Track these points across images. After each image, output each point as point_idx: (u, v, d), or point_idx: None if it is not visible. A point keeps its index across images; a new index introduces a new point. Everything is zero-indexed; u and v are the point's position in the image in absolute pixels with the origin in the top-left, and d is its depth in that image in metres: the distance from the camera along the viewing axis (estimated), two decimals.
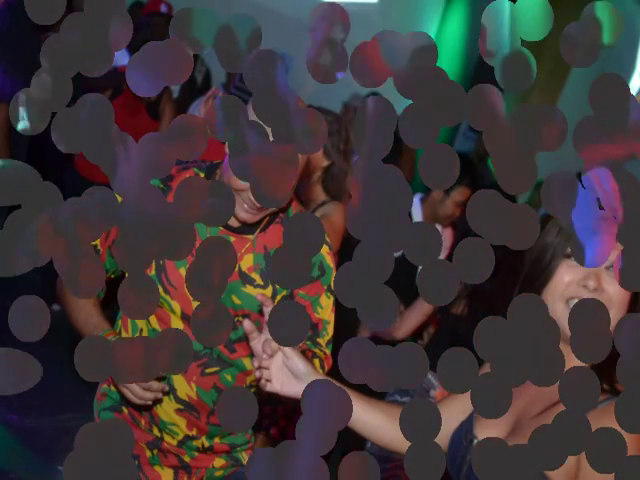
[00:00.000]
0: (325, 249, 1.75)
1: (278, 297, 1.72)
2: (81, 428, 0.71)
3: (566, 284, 1.22)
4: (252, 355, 1.45)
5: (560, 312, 1.18)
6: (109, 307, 1.79)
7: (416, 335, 3.07)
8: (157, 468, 1.85)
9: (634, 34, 6.20)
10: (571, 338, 0.70)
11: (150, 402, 1.64)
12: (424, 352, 0.72)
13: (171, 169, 0.71)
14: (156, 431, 1.80)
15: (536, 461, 0.71)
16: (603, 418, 0.77)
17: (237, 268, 1.66)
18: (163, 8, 4.95)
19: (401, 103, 0.68)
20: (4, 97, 3.08)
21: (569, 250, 1.22)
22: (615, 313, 1.12)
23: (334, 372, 0.92)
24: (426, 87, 0.69)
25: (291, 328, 0.72)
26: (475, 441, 1.29)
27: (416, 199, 3.32)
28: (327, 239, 1.76)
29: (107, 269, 1.69)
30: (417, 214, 3.28)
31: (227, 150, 1.52)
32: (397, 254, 0.72)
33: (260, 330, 1.44)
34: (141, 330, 1.75)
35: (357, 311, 0.71)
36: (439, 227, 3.19)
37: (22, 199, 0.70)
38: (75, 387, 2.32)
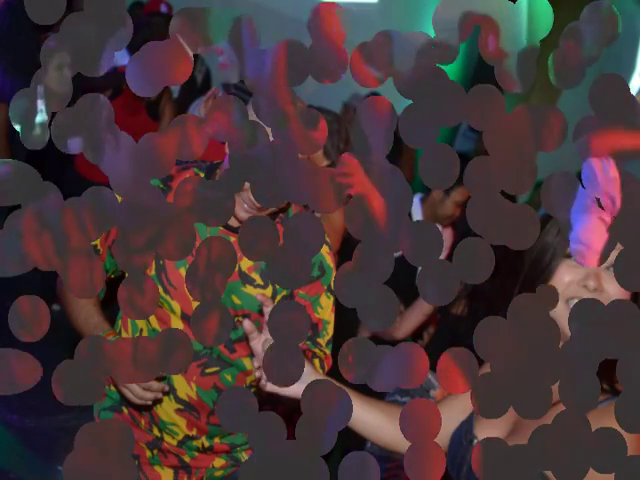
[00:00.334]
0: (325, 249, 1.75)
1: (278, 297, 1.72)
2: (81, 428, 0.71)
3: (566, 284, 1.22)
4: (252, 355, 1.45)
5: (560, 312, 1.18)
6: (109, 307, 1.79)
7: (416, 335, 3.07)
8: (157, 468, 1.85)
9: (634, 34, 6.20)
10: (571, 338, 0.70)
11: (150, 402, 1.63)
12: (424, 352, 0.72)
13: (171, 169, 0.71)
14: (156, 431, 1.80)
15: (536, 461, 0.71)
16: (603, 418, 0.77)
17: (237, 268, 1.66)
18: (163, 8, 4.95)
19: (401, 103, 0.68)
20: (4, 97, 3.08)
21: (569, 250, 1.22)
22: None
23: (334, 372, 0.92)
24: (426, 87, 0.69)
25: (291, 328, 0.72)
26: (475, 441, 1.29)
27: (416, 199, 3.32)
28: (327, 239, 1.76)
29: (107, 269, 1.69)
30: (417, 214, 3.28)
31: (227, 150, 1.52)
32: (397, 254, 0.72)
33: (260, 330, 1.44)
34: (141, 330, 1.75)
35: (357, 311, 0.71)
36: (439, 227, 3.19)
37: (22, 199, 0.70)
38: None
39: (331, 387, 0.72)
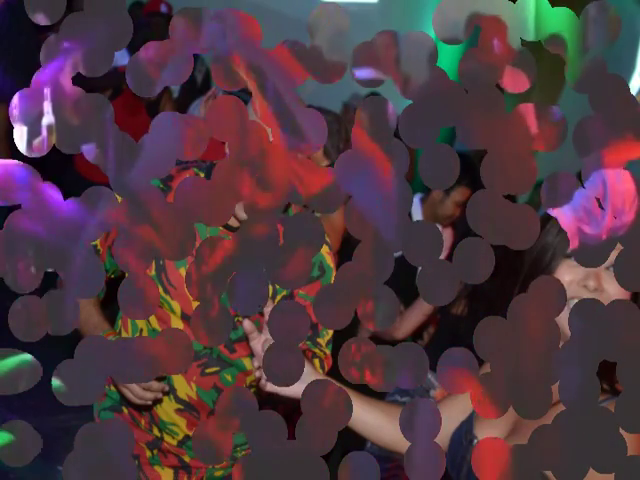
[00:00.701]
0: (325, 249, 1.75)
1: (278, 297, 1.72)
2: (81, 428, 0.71)
3: (566, 284, 1.22)
4: (252, 355, 1.45)
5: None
6: (109, 307, 1.79)
7: (416, 335, 3.07)
8: (157, 468, 1.85)
9: (634, 34, 6.20)
10: (571, 338, 0.70)
11: (150, 402, 1.63)
12: (424, 352, 0.72)
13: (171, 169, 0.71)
14: (156, 431, 1.80)
15: (536, 461, 0.71)
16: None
17: None
18: (163, 8, 4.95)
19: (401, 103, 0.68)
20: (4, 97, 3.08)
21: (569, 250, 1.22)
22: None
23: (334, 372, 0.92)
24: (426, 87, 0.69)
25: (291, 328, 0.72)
26: (475, 441, 1.29)
27: (416, 199, 3.31)
28: (327, 239, 1.76)
29: (107, 269, 1.69)
30: (417, 214, 3.28)
31: (227, 150, 1.52)
32: (397, 254, 0.72)
33: (260, 330, 1.44)
34: (141, 330, 1.75)
35: (357, 311, 0.71)
36: (439, 227, 3.19)
37: (22, 199, 0.70)
38: None
39: (331, 387, 0.72)
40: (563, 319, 0.70)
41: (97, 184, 0.71)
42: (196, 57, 4.17)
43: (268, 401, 1.36)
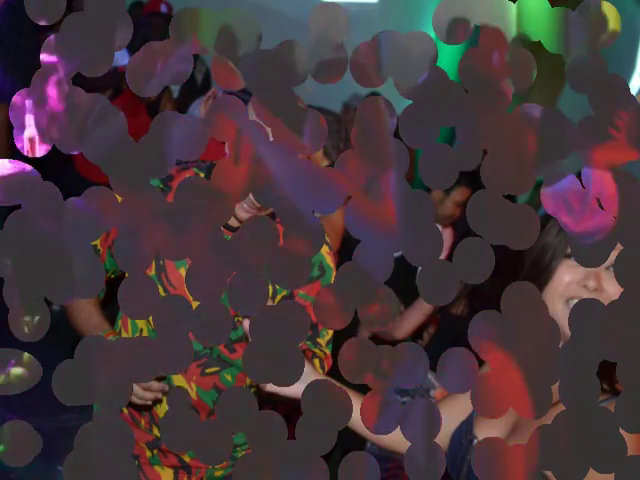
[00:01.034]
0: (325, 249, 1.75)
1: (278, 297, 1.72)
2: (81, 428, 0.71)
3: (566, 284, 1.22)
4: None
5: (560, 312, 1.18)
6: (109, 307, 1.79)
7: (416, 335, 3.07)
8: (157, 468, 1.85)
9: (634, 34, 6.20)
10: (571, 338, 0.70)
11: (150, 402, 1.63)
12: (424, 352, 0.72)
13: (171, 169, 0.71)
14: (156, 431, 1.80)
15: (536, 461, 0.71)
16: None
17: None
18: (163, 8, 4.95)
19: (401, 103, 0.68)
20: (4, 97, 3.08)
21: (569, 250, 1.22)
22: None
23: (334, 372, 0.92)
24: (426, 87, 0.69)
25: (291, 328, 0.72)
26: (475, 441, 1.29)
27: None
28: (327, 239, 1.76)
29: (107, 269, 1.69)
30: None
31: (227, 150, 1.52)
32: (397, 254, 0.72)
33: None
34: (141, 330, 1.75)
35: (357, 311, 0.71)
36: (439, 227, 3.19)
37: (22, 199, 0.70)
38: None
39: (331, 387, 0.72)
40: (563, 319, 0.70)
41: (97, 184, 0.71)
42: (196, 57, 4.17)
43: (268, 401, 1.36)
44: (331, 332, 1.80)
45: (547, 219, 1.27)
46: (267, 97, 0.69)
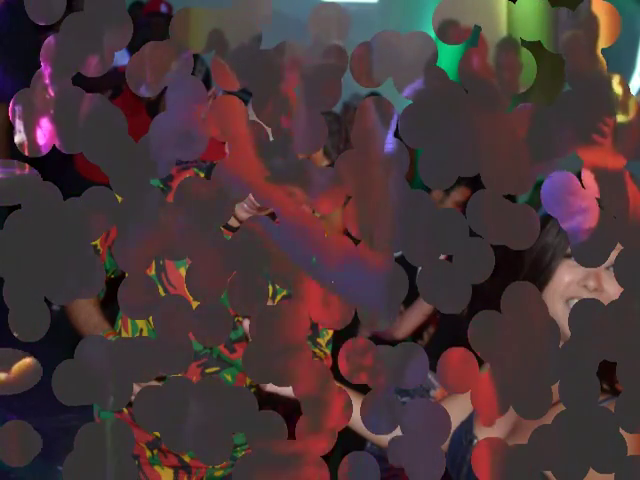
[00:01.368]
0: None
1: (278, 297, 1.72)
2: (81, 428, 0.71)
3: (566, 284, 1.22)
4: None
5: (560, 312, 1.18)
6: (109, 307, 1.79)
7: (416, 335, 3.06)
8: (157, 468, 1.85)
9: (634, 34, 6.20)
10: (571, 338, 0.70)
11: None
12: (424, 352, 0.72)
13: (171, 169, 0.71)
14: None
15: (536, 461, 0.71)
16: None
17: None
18: (163, 8, 4.94)
19: (401, 103, 0.68)
20: (4, 97, 3.08)
21: (569, 250, 1.22)
22: None
23: (334, 372, 0.92)
24: (426, 87, 0.69)
25: (292, 328, 0.72)
26: (475, 441, 1.29)
27: None
28: None
29: (107, 269, 1.69)
30: None
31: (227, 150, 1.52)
32: (397, 254, 0.72)
33: None
34: (141, 330, 1.75)
35: (357, 311, 0.71)
36: None
37: (22, 199, 0.70)
38: None
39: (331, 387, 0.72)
40: (563, 319, 0.70)
41: (97, 184, 0.71)
42: (196, 57, 4.17)
43: (268, 401, 1.36)
44: (331, 332, 1.80)
45: (547, 219, 1.27)
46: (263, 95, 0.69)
